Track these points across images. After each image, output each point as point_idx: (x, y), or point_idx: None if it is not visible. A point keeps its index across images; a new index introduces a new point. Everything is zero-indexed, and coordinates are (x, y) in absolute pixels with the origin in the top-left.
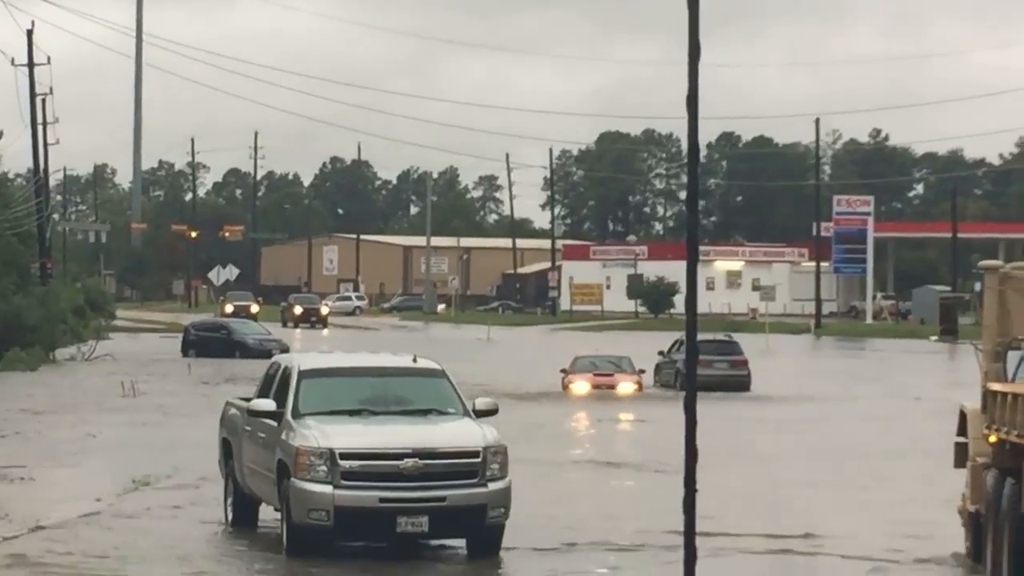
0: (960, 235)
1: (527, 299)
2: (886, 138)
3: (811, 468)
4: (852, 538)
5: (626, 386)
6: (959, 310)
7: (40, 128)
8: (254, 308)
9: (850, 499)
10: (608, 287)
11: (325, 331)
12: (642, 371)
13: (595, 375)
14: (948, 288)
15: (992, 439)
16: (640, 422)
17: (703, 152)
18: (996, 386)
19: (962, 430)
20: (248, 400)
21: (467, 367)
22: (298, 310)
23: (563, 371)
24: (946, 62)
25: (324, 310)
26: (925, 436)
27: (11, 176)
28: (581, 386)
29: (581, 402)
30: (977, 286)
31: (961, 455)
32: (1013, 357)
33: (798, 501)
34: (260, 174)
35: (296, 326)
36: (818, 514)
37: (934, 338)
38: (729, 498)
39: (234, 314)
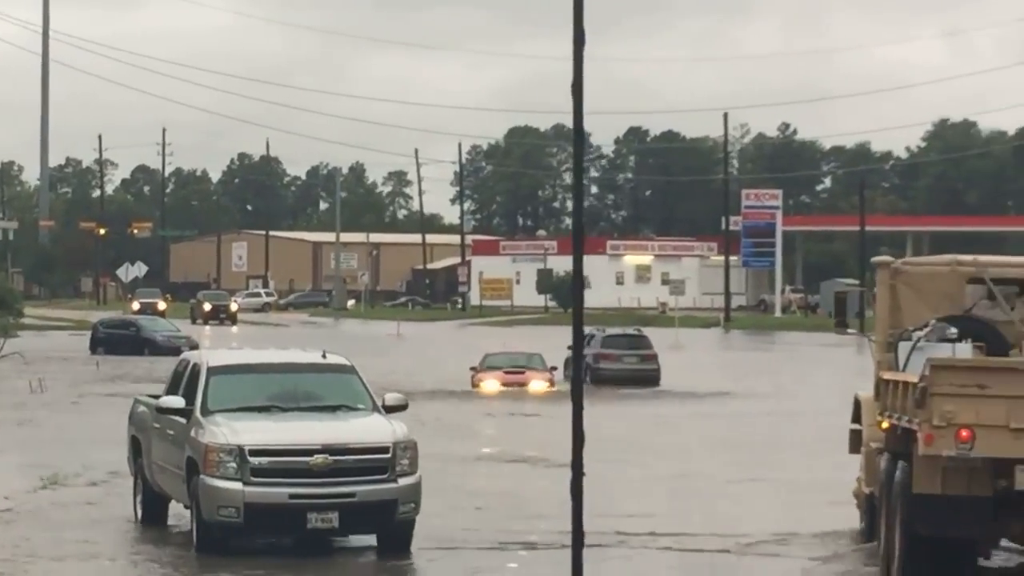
0: (868, 228)
1: (437, 294)
2: (794, 132)
3: (718, 460)
4: (756, 523)
5: (537, 384)
6: (866, 303)
7: None
8: (161, 305)
9: (753, 488)
10: (518, 282)
11: (235, 328)
12: (554, 368)
13: (505, 373)
14: (856, 282)
15: (884, 425)
16: (550, 419)
17: (611, 147)
18: (888, 375)
19: (856, 418)
20: (157, 397)
21: (377, 363)
22: (207, 307)
23: (473, 369)
24: (850, 56)
25: (233, 307)
26: (827, 426)
27: None
28: (491, 384)
29: (491, 400)
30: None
31: (856, 441)
32: (904, 348)
33: (704, 493)
34: (168, 171)
35: (205, 323)
36: (724, 504)
37: (852, 331)
38: (634, 492)
39: (141, 311)
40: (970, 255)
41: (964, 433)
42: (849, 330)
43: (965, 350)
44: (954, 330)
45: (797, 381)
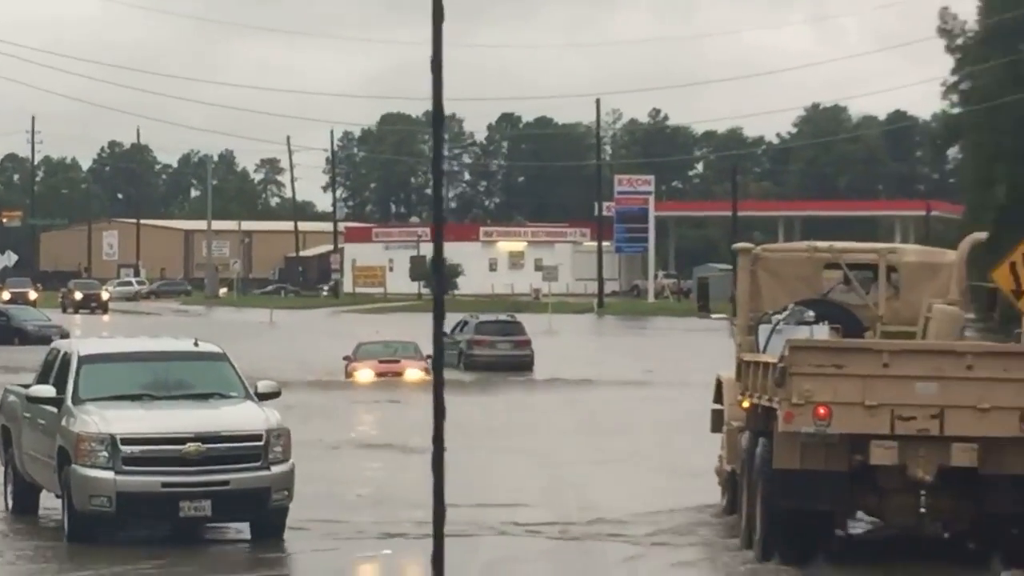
0: (741, 213)
1: (310, 282)
2: (665, 118)
3: (585, 444)
4: (621, 502)
5: (413, 372)
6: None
7: None
8: (32, 295)
9: (620, 470)
10: (391, 269)
11: (106, 317)
12: (429, 356)
13: (380, 362)
14: (729, 267)
15: (746, 404)
16: (426, 407)
17: (484, 134)
18: (749, 357)
19: (718, 398)
20: (27, 387)
21: (250, 351)
22: (78, 296)
23: (346, 358)
24: (720, 42)
25: (105, 295)
26: (695, 408)
27: None
28: (365, 374)
29: (366, 389)
30: None
31: (717, 421)
32: (764, 330)
33: (574, 478)
34: (38, 159)
35: (76, 312)
36: (592, 487)
37: (716, 316)
38: (499, 478)
39: (11, 301)
40: (827, 242)
41: (822, 410)
42: (713, 315)
43: (822, 332)
44: (812, 313)
45: (666, 365)
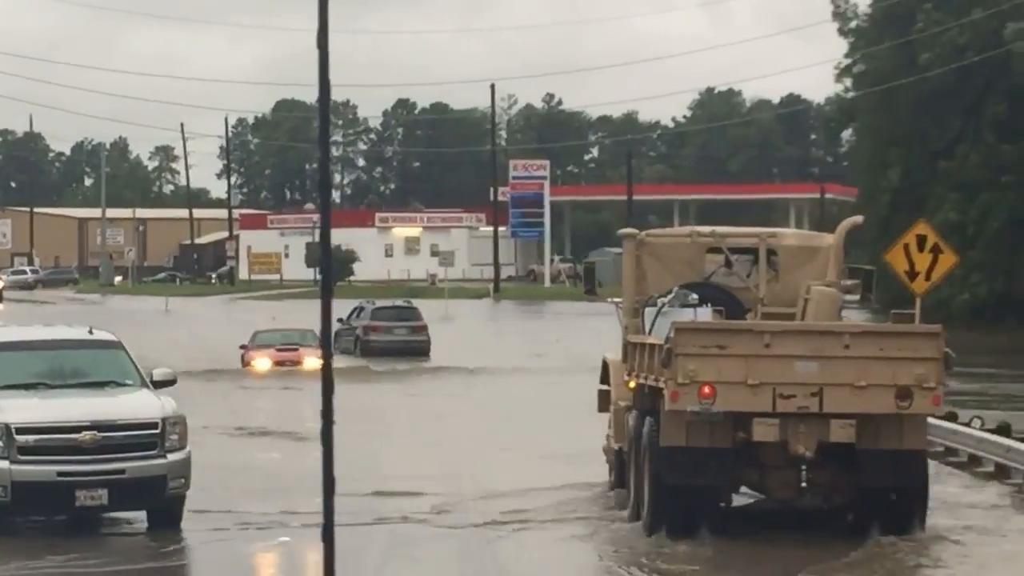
0: (636, 197)
1: (205, 269)
2: (560, 103)
3: (479, 429)
4: (511, 483)
5: (311, 361)
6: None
7: None
8: None
9: (510, 453)
10: (287, 256)
11: (1, 306)
12: (342, 352)
13: (277, 350)
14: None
15: (632, 385)
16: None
17: (379, 119)
18: (635, 339)
19: (605, 379)
20: None
21: (145, 339)
22: None
23: (243, 347)
24: (613, 26)
25: (0, 284)
26: (587, 391)
27: None
28: (263, 363)
29: (263, 377)
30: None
31: (604, 401)
32: (649, 313)
33: (465, 462)
34: None
35: None
36: (482, 470)
37: (609, 300)
38: (395, 464)
39: None
40: (709, 226)
41: (706, 390)
42: (610, 299)
43: (706, 314)
44: (695, 296)
45: (558, 348)
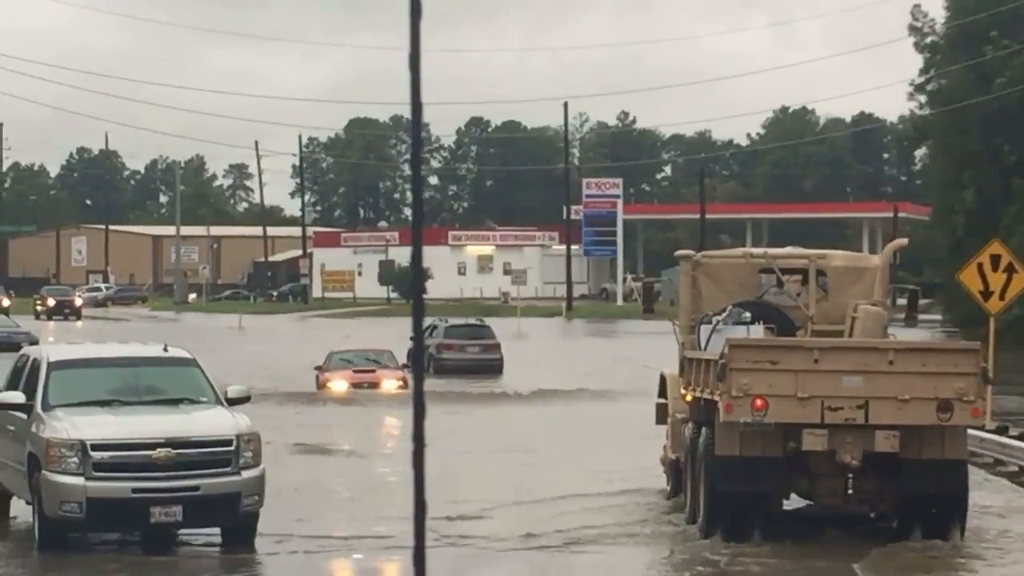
0: (708, 216)
1: (279, 286)
2: (633, 121)
3: (553, 449)
4: (583, 485)
5: (389, 383)
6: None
7: None
8: (5, 302)
9: (584, 462)
10: (360, 274)
11: (79, 323)
12: (405, 365)
13: (355, 372)
14: None
15: (688, 398)
16: (401, 416)
17: (452, 138)
18: (691, 354)
19: (662, 393)
20: None
21: (218, 356)
22: (51, 302)
23: (318, 368)
24: (685, 45)
25: (78, 301)
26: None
27: None
28: (339, 385)
29: (338, 398)
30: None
31: (662, 413)
32: (705, 330)
33: (540, 479)
34: (6, 165)
35: (50, 318)
36: (556, 486)
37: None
38: (471, 486)
39: None
40: (762, 248)
41: (759, 402)
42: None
43: (758, 331)
44: (748, 314)
45: (629, 366)
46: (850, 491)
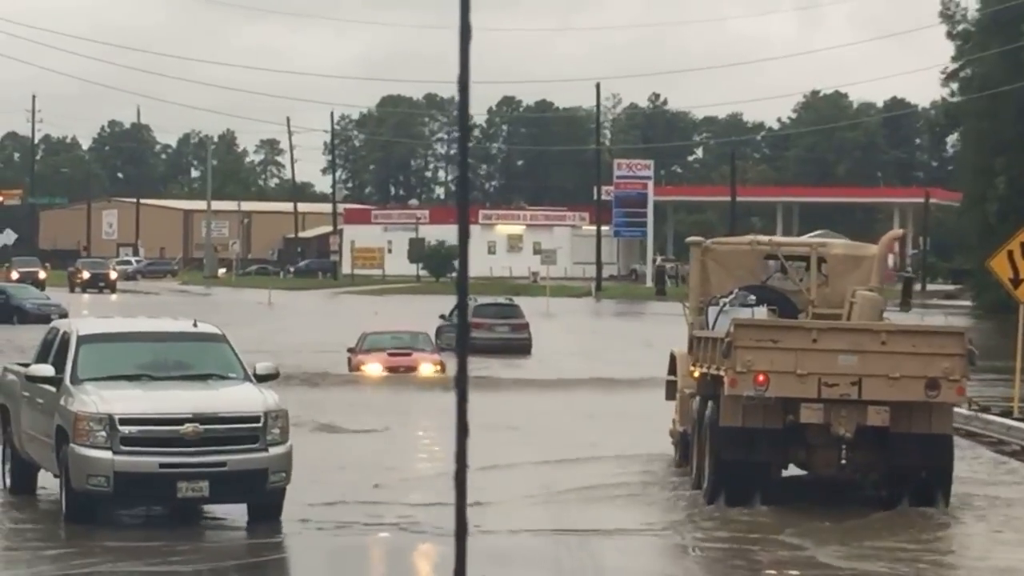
0: (739, 199)
1: (310, 262)
2: (665, 102)
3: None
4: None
5: (426, 367)
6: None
7: None
8: (42, 274)
9: (602, 437)
10: (390, 251)
11: (114, 296)
12: (441, 348)
13: (389, 355)
14: None
15: (696, 374)
16: (434, 395)
17: (484, 116)
18: (699, 333)
19: (672, 370)
20: (26, 366)
21: (247, 334)
22: (86, 275)
23: (350, 351)
24: (711, 29)
25: (113, 275)
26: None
27: None
28: (374, 368)
29: (372, 381)
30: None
31: (671, 389)
32: (713, 311)
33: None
34: (38, 138)
35: (84, 291)
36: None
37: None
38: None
39: (20, 280)
40: (766, 236)
41: (761, 377)
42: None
43: (762, 313)
44: (753, 297)
45: (654, 346)
46: (843, 462)
